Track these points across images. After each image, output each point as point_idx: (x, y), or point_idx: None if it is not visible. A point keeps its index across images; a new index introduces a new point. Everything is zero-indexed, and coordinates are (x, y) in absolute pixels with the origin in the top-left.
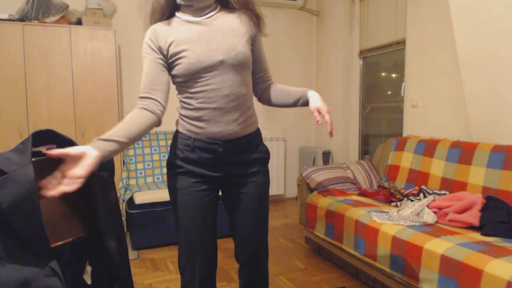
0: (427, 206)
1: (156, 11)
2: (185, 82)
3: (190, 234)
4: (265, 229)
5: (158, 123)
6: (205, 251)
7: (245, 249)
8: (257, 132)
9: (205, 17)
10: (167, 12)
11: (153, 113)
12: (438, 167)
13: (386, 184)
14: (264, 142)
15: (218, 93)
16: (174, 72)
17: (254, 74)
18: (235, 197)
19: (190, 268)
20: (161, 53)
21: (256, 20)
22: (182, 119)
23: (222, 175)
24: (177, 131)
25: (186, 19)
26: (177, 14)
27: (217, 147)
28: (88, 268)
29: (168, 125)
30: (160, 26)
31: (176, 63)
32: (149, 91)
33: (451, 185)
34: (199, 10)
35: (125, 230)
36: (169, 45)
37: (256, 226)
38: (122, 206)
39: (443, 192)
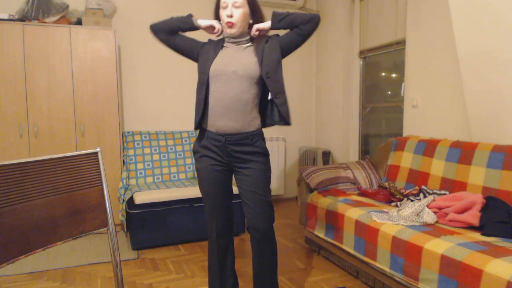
0: (427, 206)
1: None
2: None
3: (206, 202)
4: (267, 206)
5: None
6: (219, 213)
7: (251, 222)
8: (257, 132)
9: (237, 45)
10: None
11: None
12: (438, 167)
13: (386, 184)
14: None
15: (226, 94)
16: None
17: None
18: (239, 179)
19: (210, 225)
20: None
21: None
22: (205, 116)
23: (228, 160)
24: (201, 127)
25: (225, 45)
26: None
27: (221, 138)
28: None
29: (168, 125)
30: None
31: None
32: None
33: (451, 185)
34: (235, 43)
35: (125, 230)
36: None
37: (256, 203)
38: (122, 206)
39: (443, 192)
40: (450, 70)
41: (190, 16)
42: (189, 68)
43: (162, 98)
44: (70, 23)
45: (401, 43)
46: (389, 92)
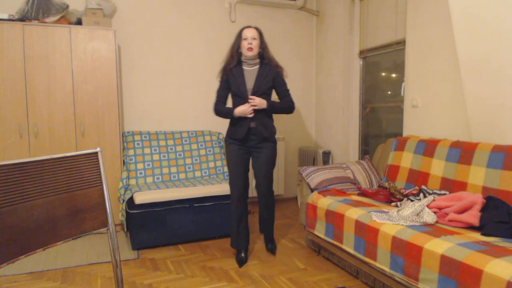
0: (427, 206)
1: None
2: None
3: (234, 175)
4: (270, 176)
5: None
6: (240, 183)
7: (259, 185)
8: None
9: (251, 68)
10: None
11: None
12: (438, 167)
13: (386, 184)
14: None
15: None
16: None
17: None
18: (255, 158)
19: (232, 192)
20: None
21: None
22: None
23: (249, 145)
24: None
25: (244, 67)
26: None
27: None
28: None
29: (168, 125)
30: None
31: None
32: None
33: (451, 185)
34: (251, 65)
35: (125, 230)
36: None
37: (264, 174)
38: (122, 206)
39: (443, 192)
40: (450, 70)
41: (232, 113)
42: (189, 68)
43: (162, 98)
44: (70, 23)
45: (401, 43)
46: (389, 92)
